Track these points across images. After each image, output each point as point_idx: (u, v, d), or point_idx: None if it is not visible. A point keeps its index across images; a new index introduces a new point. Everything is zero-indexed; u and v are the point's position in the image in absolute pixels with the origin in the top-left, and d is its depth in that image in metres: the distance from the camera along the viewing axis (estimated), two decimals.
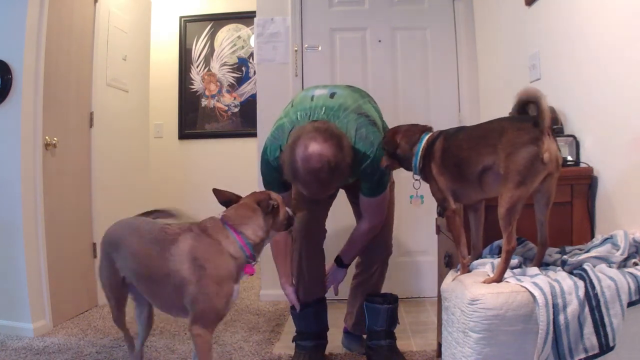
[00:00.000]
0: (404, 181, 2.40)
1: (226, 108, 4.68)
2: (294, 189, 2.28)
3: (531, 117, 1.41)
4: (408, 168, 1.77)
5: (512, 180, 1.38)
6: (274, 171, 2.07)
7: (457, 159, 1.57)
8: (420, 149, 1.70)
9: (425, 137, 1.71)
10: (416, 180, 1.82)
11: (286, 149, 1.92)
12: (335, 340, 2.44)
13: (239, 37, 4.67)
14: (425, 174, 1.70)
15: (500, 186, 1.42)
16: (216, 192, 1.87)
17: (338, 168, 1.85)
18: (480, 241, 1.69)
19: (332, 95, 2.10)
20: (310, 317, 2.27)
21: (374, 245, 2.27)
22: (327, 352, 2.34)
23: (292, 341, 2.31)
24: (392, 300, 2.26)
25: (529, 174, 1.37)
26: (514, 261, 1.53)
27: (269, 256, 2.30)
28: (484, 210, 1.67)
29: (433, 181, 1.65)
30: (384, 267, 2.33)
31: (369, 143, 1.99)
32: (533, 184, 1.40)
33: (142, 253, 1.79)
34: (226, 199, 1.87)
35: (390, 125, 2.29)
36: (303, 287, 2.26)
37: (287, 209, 1.94)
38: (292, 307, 2.29)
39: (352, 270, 2.38)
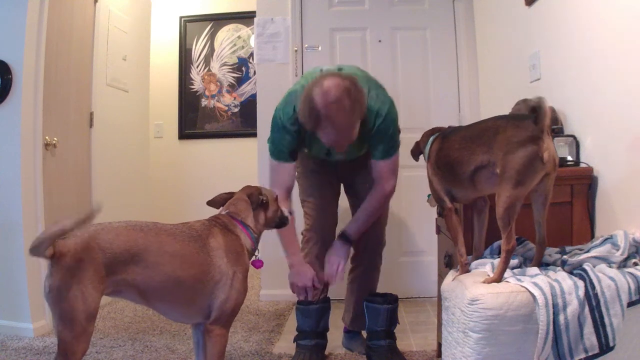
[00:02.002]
0: (406, 181, 2.41)
1: (226, 108, 4.68)
2: (301, 172, 2.32)
3: (529, 115, 1.40)
4: None
5: (510, 180, 1.37)
6: (286, 135, 2.10)
7: (449, 159, 1.59)
8: (427, 151, 1.76)
9: (431, 140, 1.77)
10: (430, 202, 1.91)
11: (302, 100, 1.94)
12: (335, 340, 2.44)
13: (239, 37, 4.67)
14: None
15: (496, 185, 1.42)
16: (211, 203, 1.89)
17: (357, 99, 1.88)
18: (483, 242, 1.69)
19: (340, 69, 2.15)
20: (313, 315, 2.27)
21: (367, 239, 2.29)
22: (327, 352, 2.34)
23: (293, 341, 2.31)
24: (392, 300, 2.26)
25: (527, 173, 1.37)
26: (514, 261, 1.53)
27: (268, 256, 2.30)
28: (488, 212, 1.68)
29: (429, 181, 1.69)
30: (379, 260, 2.35)
31: (380, 102, 2.04)
32: (531, 184, 1.39)
33: (184, 252, 1.61)
34: (221, 202, 1.88)
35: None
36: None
37: (284, 208, 1.96)
38: (298, 302, 2.29)
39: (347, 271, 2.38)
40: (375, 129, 2.05)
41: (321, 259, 2.24)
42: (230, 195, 1.89)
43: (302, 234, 2.36)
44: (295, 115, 2.05)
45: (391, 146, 2.12)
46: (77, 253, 1.48)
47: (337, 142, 2.00)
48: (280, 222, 1.95)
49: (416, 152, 1.93)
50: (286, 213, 1.97)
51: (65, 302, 1.46)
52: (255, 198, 1.84)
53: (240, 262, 1.71)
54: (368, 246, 2.31)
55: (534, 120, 1.38)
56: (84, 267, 1.47)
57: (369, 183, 2.22)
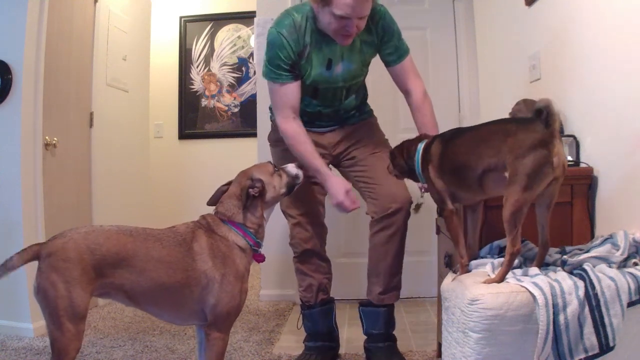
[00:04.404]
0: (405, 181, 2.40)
1: (226, 108, 4.68)
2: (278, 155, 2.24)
3: (538, 118, 1.39)
4: (415, 179, 1.80)
5: (520, 183, 1.36)
6: (283, 47, 2.00)
7: (455, 163, 1.56)
8: (419, 157, 1.72)
9: (422, 146, 1.73)
10: (421, 189, 1.87)
11: None
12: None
13: (239, 37, 4.68)
14: (424, 176, 1.72)
15: (504, 188, 1.41)
16: (211, 202, 1.81)
17: None
18: (477, 241, 1.68)
19: None
20: (315, 317, 2.28)
21: (396, 196, 2.12)
22: None
23: (303, 342, 2.32)
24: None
25: (537, 177, 1.36)
26: (515, 261, 1.53)
27: (268, 256, 2.29)
28: (481, 210, 1.67)
29: (430, 183, 1.67)
30: (407, 218, 2.16)
31: (376, 5, 2.02)
32: (539, 188, 1.38)
33: (170, 258, 1.60)
34: (220, 197, 1.80)
35: (389, 123, 2.31)
36: (307, 263, 2.28)
37: (291, 169, 1.84)
38: (303, 307, 2.30)
39: (364, 229, 2.26)
40: (380, 26, 2.08)
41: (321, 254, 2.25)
42: (225, 188, 1.81)
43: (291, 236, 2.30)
44: (293, 23, 2.01)
45: (401, 44, 2.14)
46: (65, 253, 1.49)
47: (353, 10, 1.88)
48: (291, 187, 1.84)
49: (401, 165, 1.80)
50: (294, 172, 1.84)
51: (52, 302, 1.48)
52: (244, 195, 1.71)
53: (228, 263, 1.65)
54: (402, 201, 2.14)
55: (544, 123, 1.37)
56: (71, 267, 1.49)
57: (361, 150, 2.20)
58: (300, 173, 1.87)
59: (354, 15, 1.90)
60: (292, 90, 2.05)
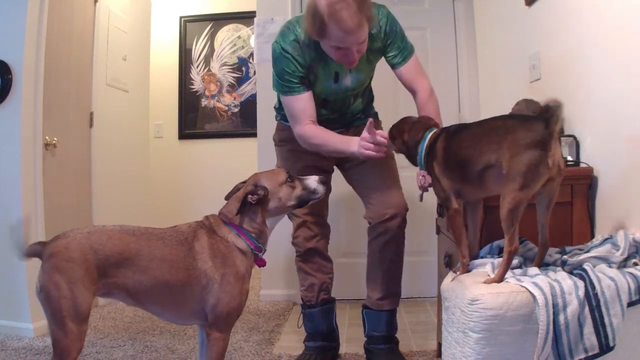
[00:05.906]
0: (404, 182, 2.41)
1: (226, 108, 4.68)
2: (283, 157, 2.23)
3: (540, 117, 1.39)
4: (413, 163, 1.78)
5: (516, 182, 1.37)
6: (290, 62, 1.99)
7: (458, 157, 1.56)
8: (424, 147, 1.70)
9: (428, 135, 1.70)
10: (421, 177, 1.85)
11: (305, 12, 1.89)
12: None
13: (239, 37, 4.67)
14: (428, 172, 1.70)
15: (502, 186, 1.41)
16: (227, 198, 1.80)
17: None
18: (477, 241, 1.68)
19: None
20: (315, 317, 2.28)
21: (393, 202, 2.15)
22: None
23: (303, 342, 2.32)
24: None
25: (532, 176, 1.36)
26: (514, 261, 1.53)
27: (268, 256, 2.29)
28: (481, 210, 1.67)
29: (436, 181, 1.65)
30: (404, 224, 2.17)
31: (375, 6, 1.98)
32: (535, 187, 1.38)
33: (173, 257, 1.60)
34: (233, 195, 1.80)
35: (391, 123, 2.30)
36: (309, 262, 2.27)
37: (310, 181, 1.77)
38: (303, 306, 2.30)
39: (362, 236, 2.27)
40: (383, 31, 2.04)
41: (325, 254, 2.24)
42: (241, 186, 1.79)
43: (294, 230, 2.28)
44: (297, 39, 1.98)
45: (405, 45, 2.11)
46: (68, 253, 1.49)
47: (347, 42, 1.85)
48: (303, 201, 1.77)
49: (399, 137, 1.80)
50: (312, 186, 1.77)
51: (55, 302, 1.47)
52: (240, 199, 1.69)
53: (228, 264, 1.64)
54: (397, 207, 2.14)
55: (544, 124, 1.37)
56: (75, 267, 1.49)
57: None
58: (320, 188, 1.77)
59: (349, 44, 1.89)
60: (306, 100, 2.03)
